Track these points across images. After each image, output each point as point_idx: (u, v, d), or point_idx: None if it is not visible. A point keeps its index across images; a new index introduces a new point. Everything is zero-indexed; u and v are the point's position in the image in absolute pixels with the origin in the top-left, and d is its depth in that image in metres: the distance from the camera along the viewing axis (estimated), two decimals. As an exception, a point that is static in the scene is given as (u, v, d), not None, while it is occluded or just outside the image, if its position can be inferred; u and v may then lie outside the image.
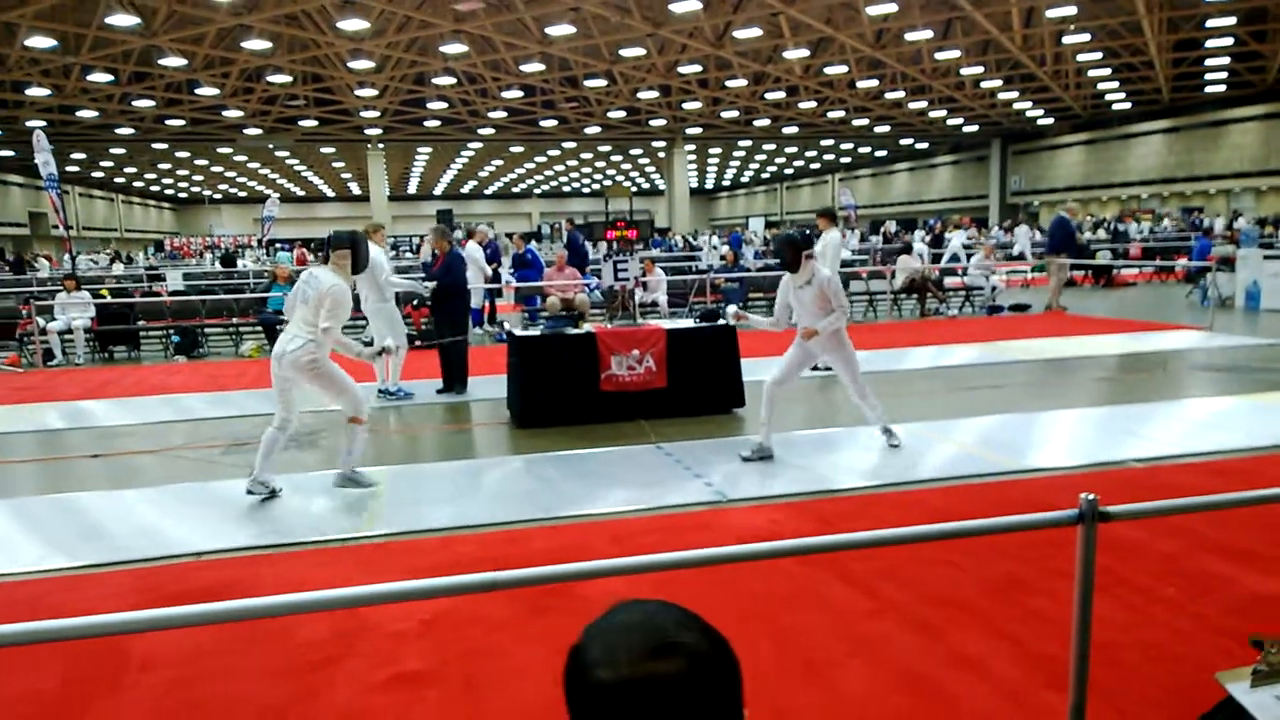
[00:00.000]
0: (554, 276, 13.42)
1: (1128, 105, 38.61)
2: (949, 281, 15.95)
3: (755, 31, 27.60)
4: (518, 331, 7.76)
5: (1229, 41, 29.45)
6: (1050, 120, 42.03)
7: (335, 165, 52.86)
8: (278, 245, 39.98)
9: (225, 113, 34.88)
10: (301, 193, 63.24)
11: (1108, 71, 33.73)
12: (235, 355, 12.92)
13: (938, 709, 3.14)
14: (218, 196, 64.86)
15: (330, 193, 65.02)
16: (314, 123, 37.79)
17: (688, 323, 7.99)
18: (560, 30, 26.80)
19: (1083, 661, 2.36)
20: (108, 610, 4.00)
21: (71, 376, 11.36)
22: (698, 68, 32.03)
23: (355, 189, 61.99)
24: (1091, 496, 2.31)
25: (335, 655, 3.63)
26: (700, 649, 0.96)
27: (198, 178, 56.96)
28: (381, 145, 42.72)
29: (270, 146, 43.70)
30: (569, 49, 29.52)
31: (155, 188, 60.90)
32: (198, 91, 31.74)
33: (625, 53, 29.53)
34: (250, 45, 26.67)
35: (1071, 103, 37.78)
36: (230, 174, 55.18)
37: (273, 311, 12.93)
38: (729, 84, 33.77)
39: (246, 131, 38.64)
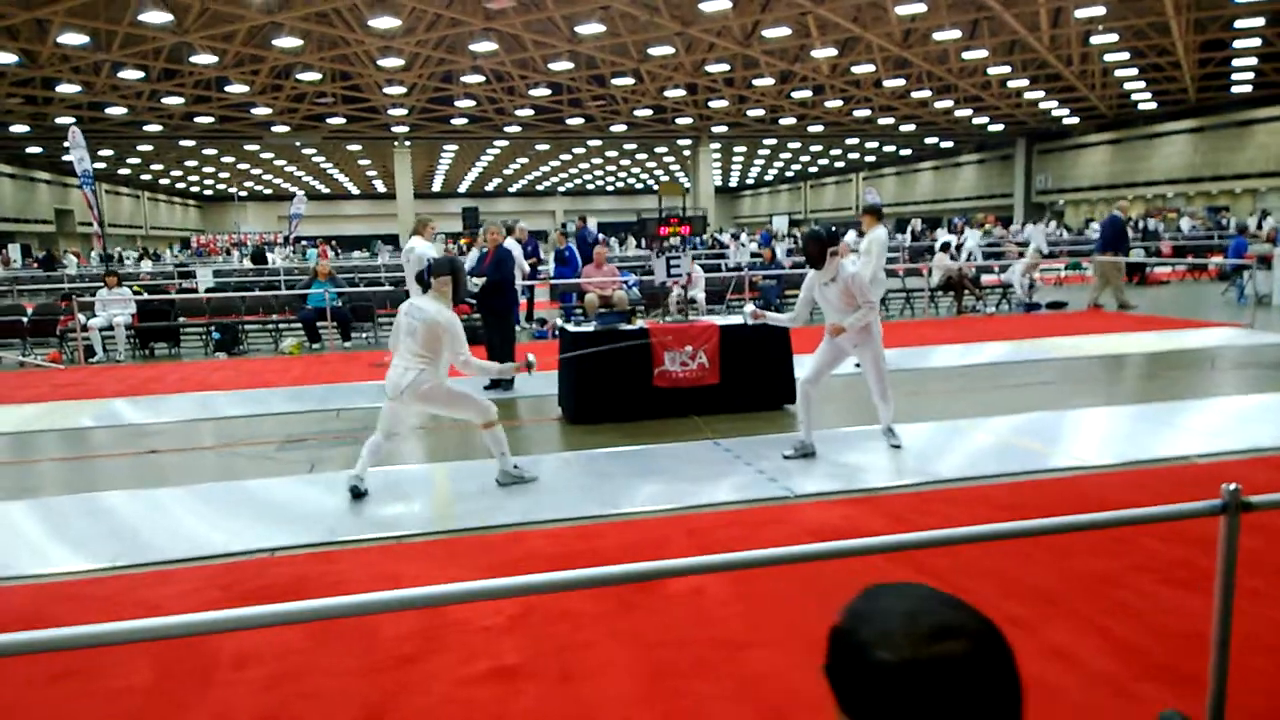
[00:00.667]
0: (592, 274, 13.45)
1: (1153, 105, 38.32)
2: (986, 279, 15.89)
3: (784, 31, 27.56)
4: (571, 328, 7.78)
5: (1256, 42, 29.19)
6: (1075, 120, 41.77)
7: (361, 163, 53.16)
8: (304, 242, 40.32)
9: (254, 110, 35.12)
10: (327, 190, 63.63)
11: (1134, 71, 33.49)
12: (275, 352, 13.02)
13: (1038, 700, 3.15)
14: (243, 194, 65.31)
15: (355, 190, 65.35)
16: (342, 120, 37.98)
17: (736, 319, 8.00)
18: (589, 29, 26.86)
19: (1223, 650, 2.38)
20: (191, 607, 4.12)
21: (116, 373, 11.47)
22: (725, 66, 32.02)
23: (380, 186, 62.33)
24: (1234, 487, 2.32)
25: (426, 650, 3.66)
26: (980, 629, 0.99)
27: (224, 175, 57.36)
28: (408, 143, 42.91)
29: (297, 144, 43.94)
30: (597, 48, 29.58)
31: (181, 185, 61.38)
32: (227, 89, 31.99)
33: (653, 51, 29.55)
34: (281, 43, 26.84)
35: (1097, 102, 37.54)
36: (256, 171, 55.56)
37: (312, 308, 13.04)
38: (756, 83, 33.72)
39: (274, 129, 38.87)
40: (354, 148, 47.13)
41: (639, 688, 3.34)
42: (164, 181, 58.44)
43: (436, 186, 62.88)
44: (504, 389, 9.16)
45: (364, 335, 13.71)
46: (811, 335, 8.23)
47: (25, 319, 13.18)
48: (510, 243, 13.44)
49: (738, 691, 3.26)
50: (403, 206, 44.61)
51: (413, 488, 5.98)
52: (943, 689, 0.94)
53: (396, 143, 42.84)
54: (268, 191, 64.71)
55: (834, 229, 6.95)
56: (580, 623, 3.86)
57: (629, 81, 33.64)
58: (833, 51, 30.40)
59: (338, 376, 10.50)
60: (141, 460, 7.08)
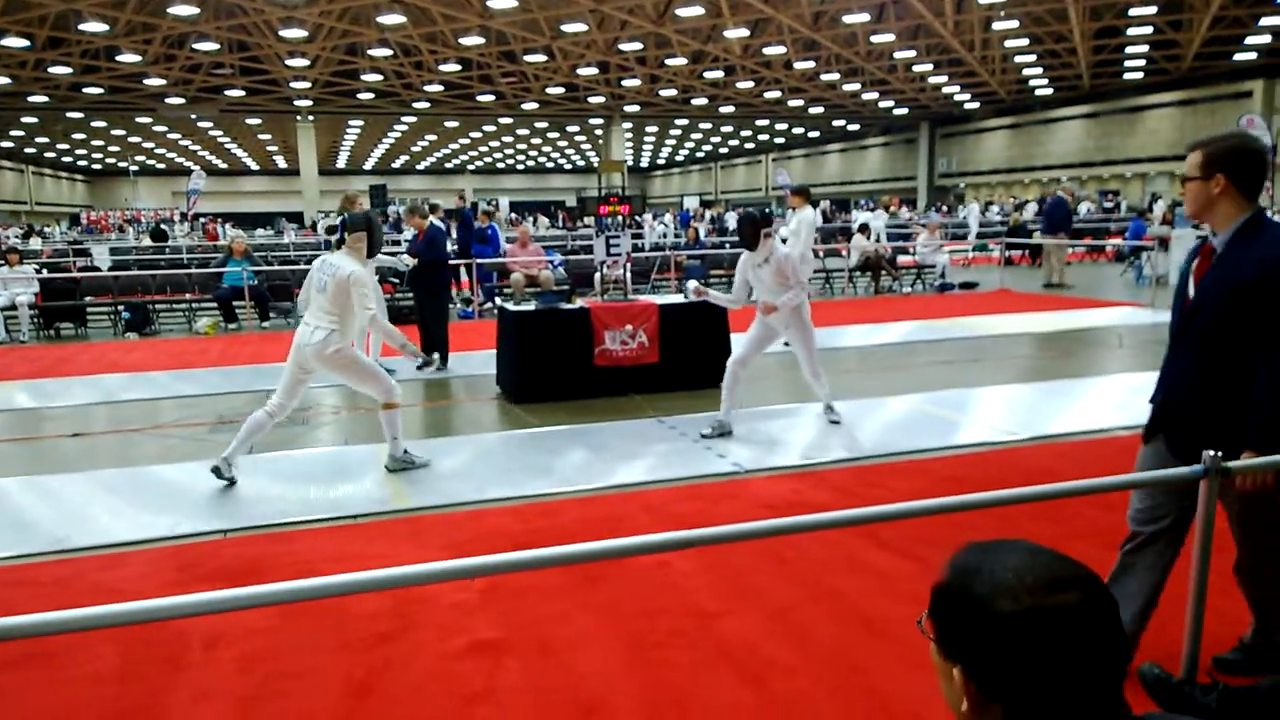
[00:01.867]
0: (516, 253, 13.36)
1: (1050, 91, 39.78)
2: (901, 260, 16.35)
3: (697, 10, 27.67)
4: (511, 307, 7.75)
5: (1148, 30, 30.54)
6: (976, 105, 43.10)
7: (261, 137, 51.37)
8: (202, 219, 38.82)
9: (146, 81, 33.58)
10: (224, 165, 61.31)
11: (1033, 58, 34.69)
12: (189, 332, 12.57)
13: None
14: (134, 168, 62.46)
15: (254, 166, 63.16)
16: (241, 93, 36.62)
17: (675, 298, 8.09)
18: (501, 3, 26.47)
19: (1199, 602, 2.58)
20: (150, 589, 4.03)
21: (23, 354, 10.93)
22: (638, 45, 31.97)
23: (281, 162, 60.38)
24: (1215, 453, 2.51)
25: (401, 628, 3.66)
26: (1090, 580, 1.08)
27: (114, 148, 54.73)
28: (311, 117, 41.65)
29: (193, 117, 42.22)
30: (508, 23, 29.17)
31: (68, 159, 58.37)
32: (119, 59, 30.49)
33: (566, 28, 29.32)
34: (176, 10, 25.69)
35: (997, 87, 38.77)
36: (149, 145, 53.19)
37: (228, 287, 12.62)
38: (668, 62, 33.79)
39: (168, 101, 37.24)
40: (254, 121, 45.48)
41: (619, 657, 3.40)
42: (49, 155, 55.49)
43: (341, 163, 61.25)
44: (438, 368, 9.08)
45: (285, 317, 13.35)
46: (748, 314, 8.41)
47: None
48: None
49: (716, 659, 3.36)
50: (307, 183, 43.41)
51: (357, 468, 5.89)
52: (1062, 636, 1.02)
53: (299, 117, 41.54)
54: (161, 166, 62.04)
55: (766, 211, 7.06)
56: (550, 596, 3.91)
57: (541, 59, 33.30)
58: (745, 32, 30.65)
59: (262, 356, 10.22)
60: (71, 443, 6.81)
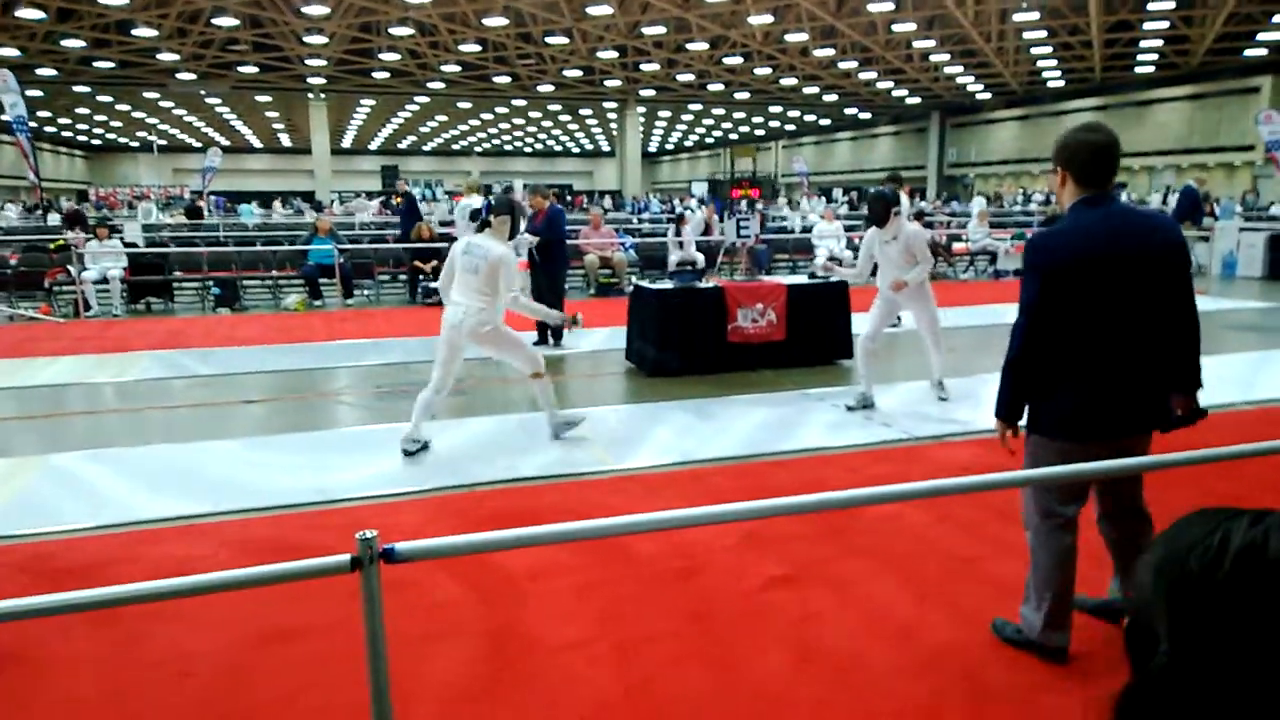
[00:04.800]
0: (590, 235, 13.72)
1: (1061, 83, 40.29)
2: (956, 247, 16.81)
3: (723, -6, 27.94)
4: (648, 284, 8.14)
5: (1163, 25, 31.05)
6: (988, 95, 43.56)
7: (269, 115, 51.21)
8: (213, 198, 38.81)
9: (159, 56, 33.54)
10: (227, 143, 61.02)
11: (1048, 50, 35.15)
12: (278, 309, 12.89)
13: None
14: (134, 144, 62.08)
15: (258, 144, 62.90)
16: (253, 69, 36.60)
17: (801, 279, 8.51)
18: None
19: None
20: (438, 529, 4.42)
21: (130, 327, 11.23)
22: (660, 29, 32.21)
23: (286, 140, 60.18)
24: None
25: (694, 567, 4.06)
26: None
27: (116, 124, 54.44)
28: (324, 96, 41.64)
29: (202, 93, 42.09)
30: (531, 4, 29.34)
31: (68, 134, 57.94)
32: (133, 32, 30.43)
33: (590, 10, 29.52)
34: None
35: (1010, 79, 39.25)
36: (152, 121, 52.88)
37: (314, 265, 12.93)
38: (688, 47, 34.05)
39: (179, 76, 37.18)
40: (263, 99, 45.39)
41: (906, 592, 3.83)
42: (49, 130, 55.05)
43: (347, 143, 61.10)
44: (553, 345, 9.45)
45: (365, 293, 13.69)
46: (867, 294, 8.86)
47: (8, 270, 12.64)
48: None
49: (998, 592, 3.77)
50: (319, 162, 43.41)
51: (572, 433, 6.26)
52: None
53: (312, 95, 41.51)
54: (163, 143, 61.67)
55: (894, 190, 7.38)
56: (811, 542, 4.32)
57: (561, 41, 33.48)
58: (768, 18, 30.95)
59: (371, 331, 10.64)
60: (257, 408, 7.19)
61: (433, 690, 3.10)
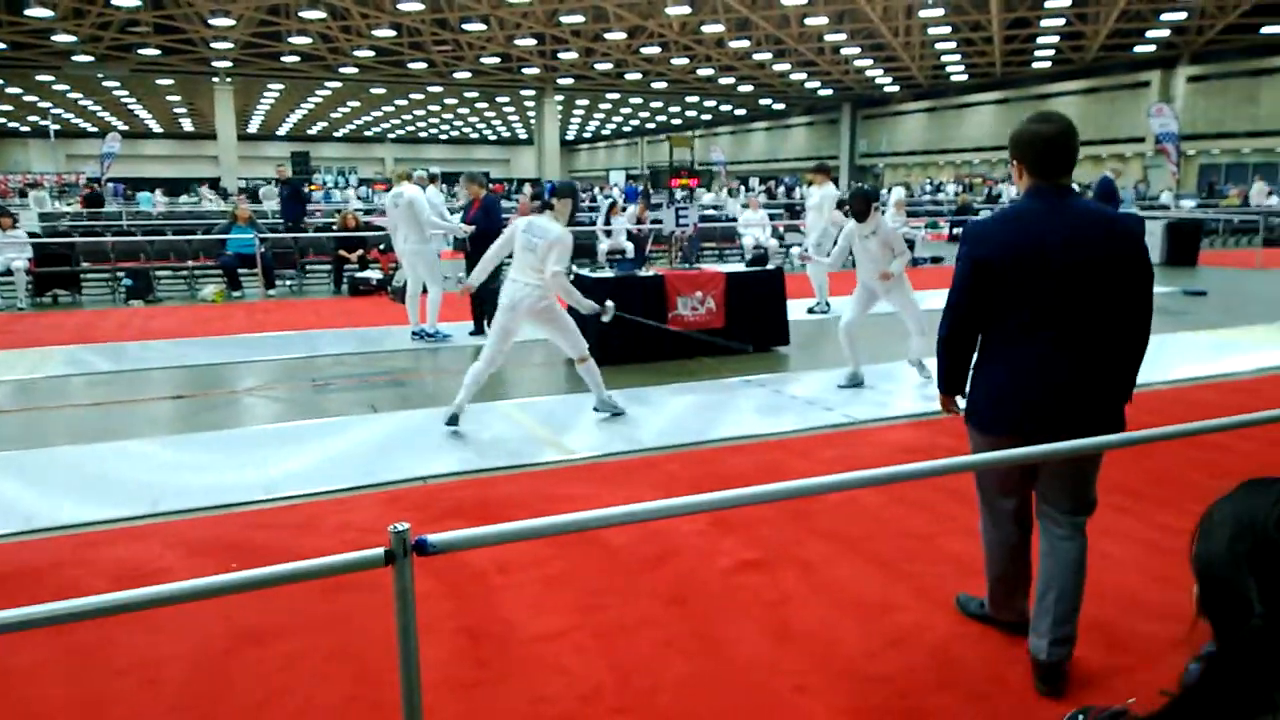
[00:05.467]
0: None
1: (965, 77, 41.59)
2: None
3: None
4: (587, 274, 8.12)
5: (1059, 22, 32.29)
6: (896, 88, 44.67)
7: (170, 99, 49.30)
8: (112, 185, 37.18)
9: (54, 38, 32.00)
10: (126, 128, 58.53)
11: (951, 45, 36.24)
12: (194, 300, 12.43)
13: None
14: (25, 129, 59.06)
15: (158, 129, 60.49)
16: (155, 52, 35.20)
17: (739, 267, 8.61)
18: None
19: None
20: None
21: (37, 321, 10.73)
22: (579, 18, 32.10)
23: (188, 125, 58.06)
24: None
25: (666, 553, 4.08)
26: None
27: (6, 108, 51.75)
28: (230, 80, 40.29)
29: (100, 76, 40.30)
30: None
31: (-50, 117, 54.91)
32: (26, 13, 28.95)
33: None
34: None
35: (916, 72, 40.35)
36: (45, 105, 50.42)
37: (234, 254, 12.53)
38: (606, 36, 34.02)
39: (76, 59, 35.53)
40: (165, 82, 43.71)
41: (872, 571, 3.93)
42: (-74, 113, 52.12)
43: (254, 128, 59.22)
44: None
45: (288, 284, 13.31)
46: (803, 283, 9.03)
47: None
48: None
49: (958, 570, 3.90)
50: (225, 148, 42.06)
51: (540, 417, 6.35)
52: None
53: (216, 79, 40.13)
54: (57, 128, 58.80)
55: (874, 186, 7.53)
56: (777, 526, 4.39)
57: (478, 28, 33.08)
58: (685, 9, 31.12)
59: (307, 323, 10.44)
60: (188, 404, 6.94)
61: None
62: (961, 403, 3.13)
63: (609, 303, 6.28)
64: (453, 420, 5.95)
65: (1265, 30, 30.56)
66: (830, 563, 4.02)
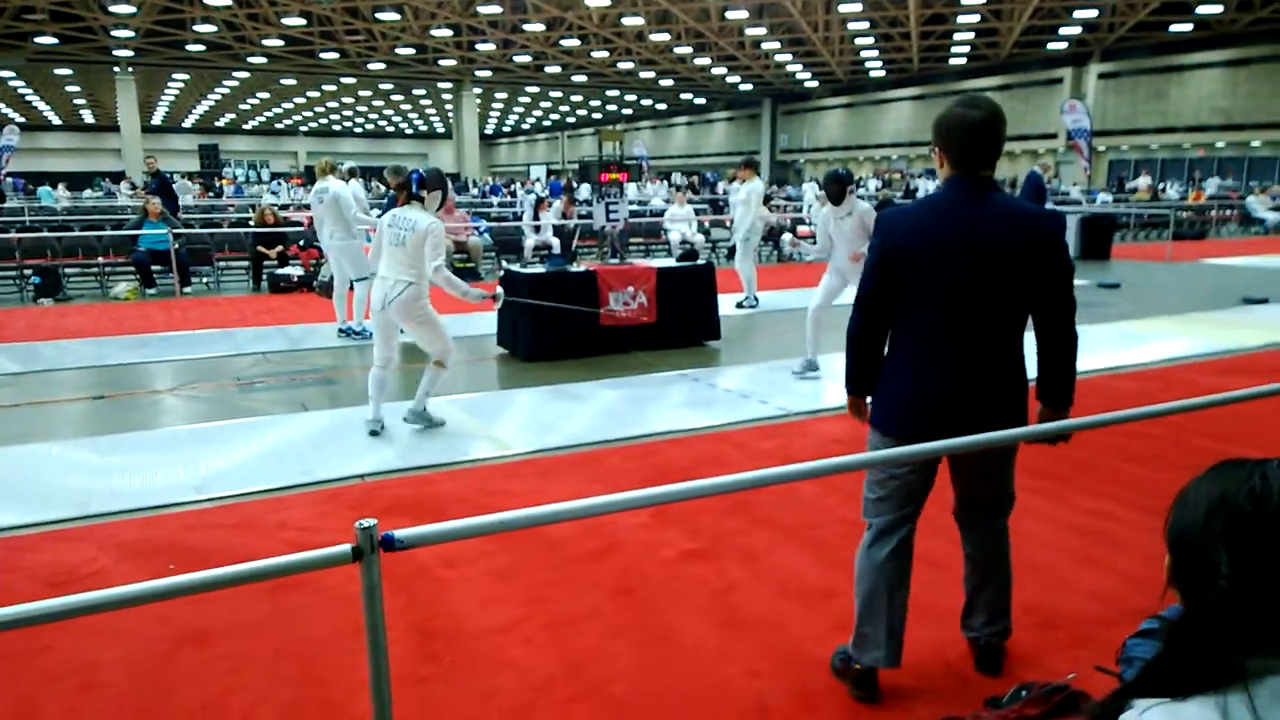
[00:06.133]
0: (443, 220, 13.42)
1: (883, 73, 42.44)
2: (801, 230, 17.45)
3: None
4: (519, 269, 8.09)
5: (974, 19, 33.18)
6: (816, 83, 45.34)
7: (69, 90, 47.29)
8: (10, 179, 35.52)
9: (-60, 26, 30.44)
10: (22, 119, 55.96)
11: (870, 40, 36.91)
12: (105, 298, 11.98)
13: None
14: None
15: (57, 121, 57.96)
16: (52, 40, 33.69)
17: (669, 262, 8.66)
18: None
19: None
20: (341, 523, 4.29)
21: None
22: (495, 8, 31.75)
23: (89, 117, 55.78)
24: None
25: (608, 547, 4.10)
26: None
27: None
28: (131, 70, 38.78)
29: (-10, 66, 38.45)
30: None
31: None
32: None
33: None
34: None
35: (835, 68, 41.00)
36: (-70, 95, 47.95)
37: (146, 251, 12.11)
38: (525, 27, 33.74)
39: (-35, 48, 33.83)
40: (63, 72, 41.89)
41: (813, 558, 4.02)
42: None
43: (158, 119, 57.16)
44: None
45: (204, 281, 12.92)
46: (732, 278, 9.15)
47: None
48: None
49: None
50: (128, 140, 40.43)
51: (473, 412, 6.19)
52: None
53: (118, 69, 38.59)
54: (-58, 119, 55.94)
55: (848, 170, 7.40)
56: (718, 517, 4.46)
57: (392, 17, 32.48)
58: (605, 1, 31.06)
59: (228, 321, 10.14)
60: (90, 406, 6.70)
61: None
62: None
63: (499, 289, 6.27)
64: (375, 433, 5.79)
65: (1174, 29, 31.87)
66: (772, 550, 4.10)
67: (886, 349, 2.87)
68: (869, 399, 2.95)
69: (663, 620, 3.46)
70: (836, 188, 6.89)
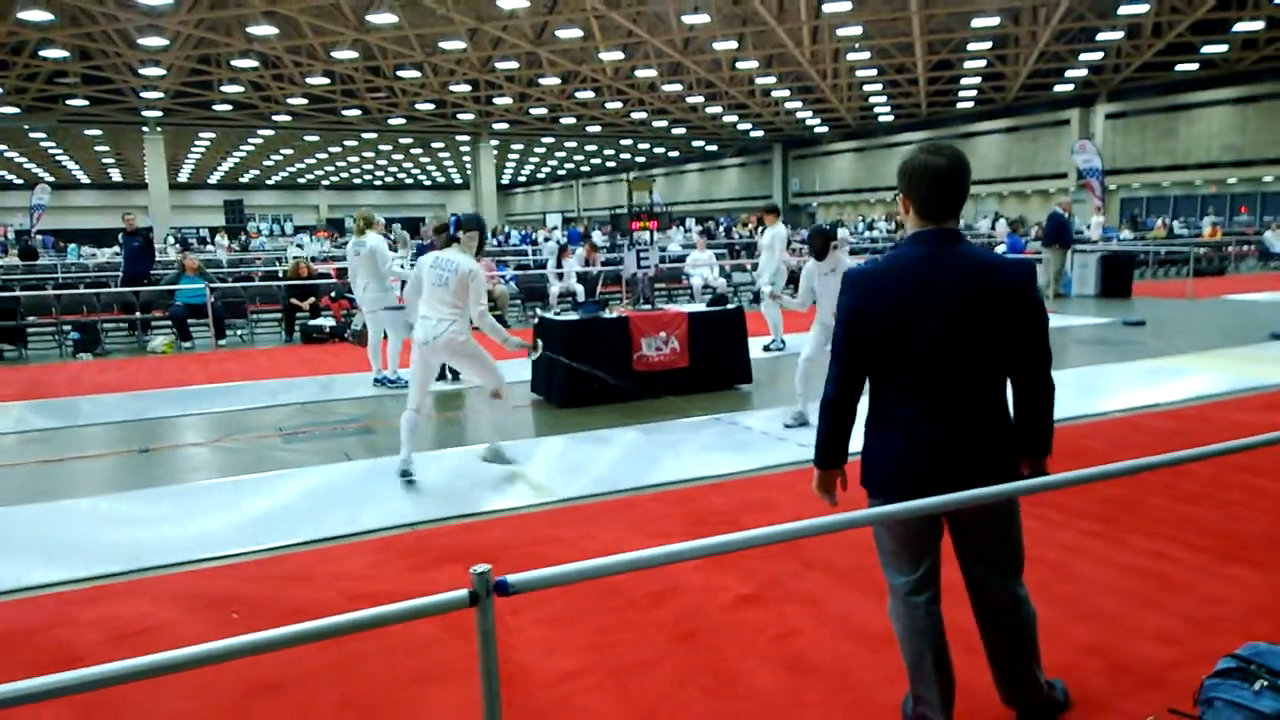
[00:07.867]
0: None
1: (891, 117, 42.89)
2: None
3: (575, 32, 28.33)
4: (553, 317, 8.19)
5: (981, 64, 33.58)
6: (825, 129, 45.84)
7: (98, 149, 48.27)
8: (41, 237, 36.16)
9: (-25, 90, 31.24)
10: (52, 178, 57.09)
11: (878, 87, 37.37)
12: (143, 352, 12.17)
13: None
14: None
15: (86, 179, 59.07)
16: (83, 102, 34.52)
17: (699, 306, 8.76)
18: (379, 19, 26.09)
19: None
20: (422, 571, 4.34)
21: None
22: (512, 64, 32.35)
23: (117, 175, 56.81)
24: None
25: (667, 591, 4.12)
26: None
27: (-83, 159, 50.11)
28: (160, 129, 39.61)
29: (25, 127, 39.33)
30: (382, 38, 28.90)
31: None
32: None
33: (443, 45, 29.33)
34: (26, 15, 23.93)
35: (845, 113, 41.48)
36: (-39, 156, 49.02)
37: (183, 305, 12.31)
38: (540, 81, 34.34)
39: (1, 110, 34.65)
40: (93, 133, 42.83)
41: (869, 601, 4.02)
42: None
43: (184, 177, 58.18)
44: (450, 380, 9.35)
45: (238, 333, 13.11)
46: (761, 321, 9.23)
47: None
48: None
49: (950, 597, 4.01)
50: (156, 198, 41.14)
51: (501, 465, 6.29)
52: None
53: (147, 128, 39.42)
54: (-29, 180, 57.20)
55: (833, 225, 7.67)
56: (766, 560, 4.47)
57: (413, 74, 33.13)
58: (618, 55, 31.61)
59: (264, 372, 10.31)
60: (137, 459, 6.80)
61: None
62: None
63: (538, 341, 6.39)
64: (405, 474, 5.92)
65: (1179, 68, 32.16)
66: (828, 594, 4.11)
67: (866, 409, 2.78)
68: (840, 476, 2.90)
69: (729, 666, 3.48)
70: (820, 242, 6.95)
